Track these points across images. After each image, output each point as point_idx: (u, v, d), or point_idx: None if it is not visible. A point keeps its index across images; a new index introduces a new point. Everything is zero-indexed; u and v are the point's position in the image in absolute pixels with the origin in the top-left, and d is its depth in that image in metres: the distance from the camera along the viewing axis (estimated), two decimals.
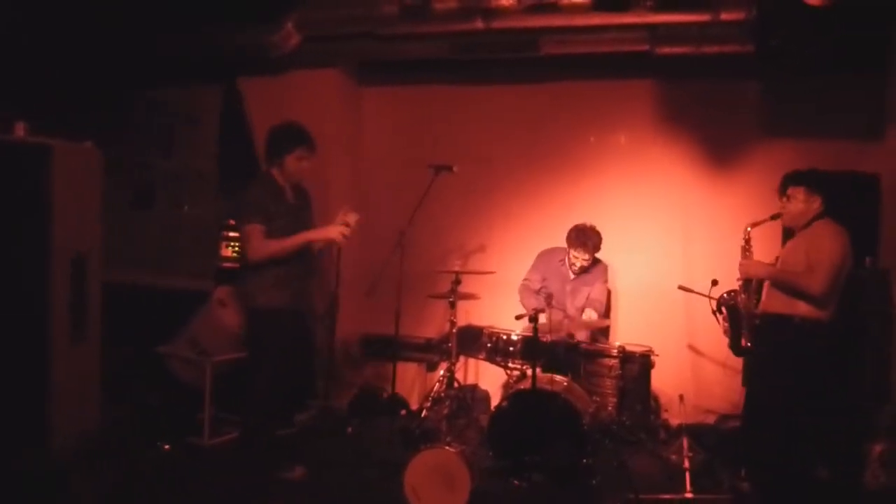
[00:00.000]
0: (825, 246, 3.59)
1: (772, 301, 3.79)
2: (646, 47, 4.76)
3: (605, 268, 5.04)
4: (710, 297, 4.26)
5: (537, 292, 4.90)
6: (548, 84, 5.55)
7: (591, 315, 4.76)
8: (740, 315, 3.99)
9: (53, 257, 3.65)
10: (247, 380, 3.88)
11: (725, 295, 4.13)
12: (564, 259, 4.98)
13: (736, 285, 4.06)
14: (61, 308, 3.69)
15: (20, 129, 3.66)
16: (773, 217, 3.86)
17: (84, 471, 3.39)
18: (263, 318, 3.79)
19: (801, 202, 3.72)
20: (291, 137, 3.83)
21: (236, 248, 5.27)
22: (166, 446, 4.26)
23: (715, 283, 4.29)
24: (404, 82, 5.85)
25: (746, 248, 3.94)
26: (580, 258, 4.85)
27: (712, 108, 5.23)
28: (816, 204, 3.71)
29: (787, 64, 4.74)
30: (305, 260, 3.92)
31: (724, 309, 4.09)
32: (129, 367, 4.80)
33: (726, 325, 4.11)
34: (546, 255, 5.10)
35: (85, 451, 3.46)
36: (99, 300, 3.95)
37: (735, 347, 4.06)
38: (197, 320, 4.69)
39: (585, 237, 4.80)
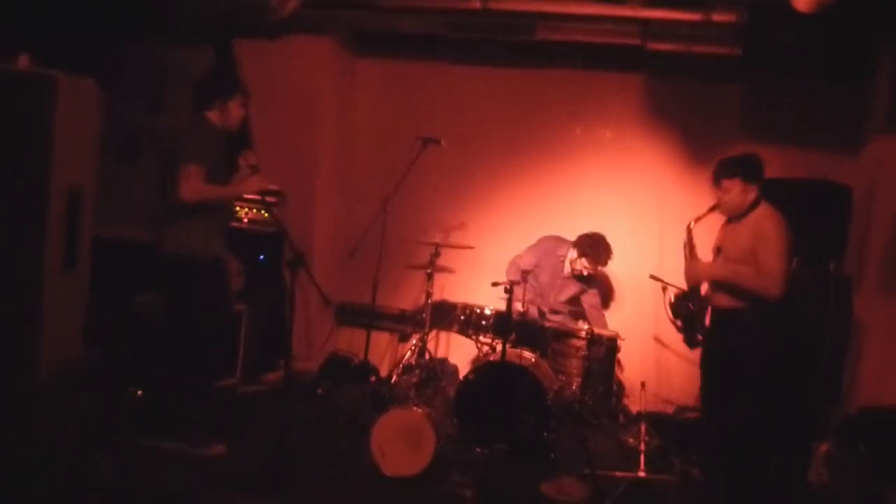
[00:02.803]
0: (772, 242, 3.47)
1: (720, 295, 3.71)
2: (637, 41, 4.87)
3: (603, 280, 5.24)
4: (673, 286, 4.38)
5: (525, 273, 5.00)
6: (541, 70, 5.64)
7: None
8: (693, 316, 3.99)
9: (52, 187, 3.70)
10: (172, 337, 3.76)
11: (674, 299, 4.19)
12: (566, 254, 5.09)
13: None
14: (56, 236, 3.76)
15: (24, 60, 3.69)
16: (712, 209, 3.78)
17: (66, 397, 3.46)
18: (204, 268, 3.69)
19: (737, 194, 3.59)
20: (236, 83, 3.87)
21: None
22: (139, 392, 4.31)
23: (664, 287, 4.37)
24: (399, 56, 5.90)
25: (690, 247, 3.84)
26: (587, 268, 4.97)
27: (696, 107, 5.36)
28: (753, 194, 3.58)
29: (773, 69, 4.90)
30: (228, 213, 3.98)
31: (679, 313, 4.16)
32: (106, 315, 4.82)
33: (679, 324, 4.17)
34: (549, 243, 5.19)
35: (70, 376, 3.52)
36: (90, 233, 4.02)
37: (690, 342, 4.11)
38: None
39: (599, 252, 4.93)
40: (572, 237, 5.17)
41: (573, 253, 5.03)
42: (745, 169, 3.61)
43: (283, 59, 5.49)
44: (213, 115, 3.77)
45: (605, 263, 4.99)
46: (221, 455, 3.68)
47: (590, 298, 5.22)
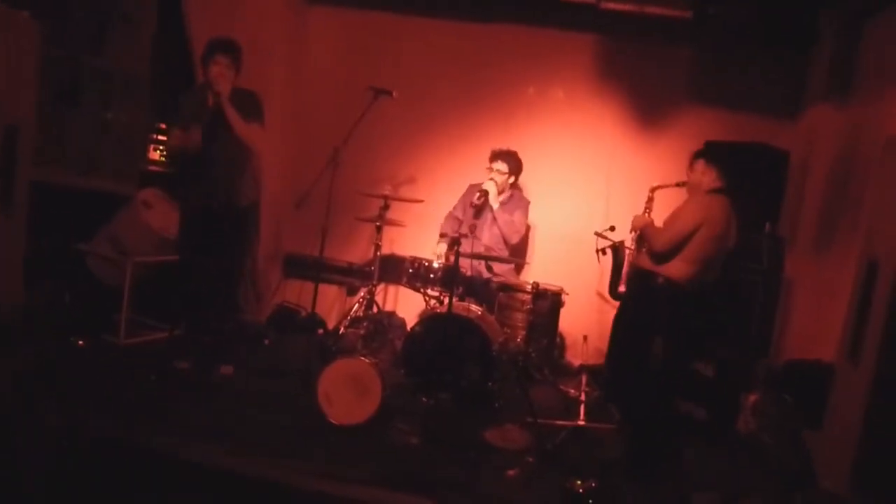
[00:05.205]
0: (687, 213, 3.85)
1: (642, 257, 4.07)
2: (592, 0, 4.90)
3: (527, 202, 5.22)
4: (611, 240, 4.57)
5: (460, 225, 5.04)
6: (496, 25, 5.62)
7: None
8: (622, 262, 4.32)
9: None
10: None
11: (616, 241, 4.47)
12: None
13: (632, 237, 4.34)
14: None
15: None
16: (678, 184, 4.15)
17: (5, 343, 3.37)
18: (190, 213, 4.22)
19: (698, 173, 3.98)
20: (212, 45, 4.09)
21: (164, 153, 5.21)
22: (80, 342, 4.24)
23: (612, 228, 4.64)
24: (352, 6, 5.79)
25: (647, 206, 4.25)
26: (497, 171, 5.04)
27: (647, 69, 5.44)
28: (710, 176, 3.93)
29: (721, 34, 5.00)
30: (227, 153, 4.13)
31: (608, 251, 4.39)
32: (46, 262, 4.70)
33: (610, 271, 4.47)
34: (472, 187, 5.25)
35: (8, 322, 3.42)
36: (28, 173, 3.90)
37: (612, 291, 4.45)
38: (120, 220, 4.63)
39: (506, 153, 5.09)
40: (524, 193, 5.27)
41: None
42: (710, 153, 4.05)
43: (233, 6, 5.32)
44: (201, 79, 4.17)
45: (513, 165, 5.09)
46: (230, 376, 4.09)
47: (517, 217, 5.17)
